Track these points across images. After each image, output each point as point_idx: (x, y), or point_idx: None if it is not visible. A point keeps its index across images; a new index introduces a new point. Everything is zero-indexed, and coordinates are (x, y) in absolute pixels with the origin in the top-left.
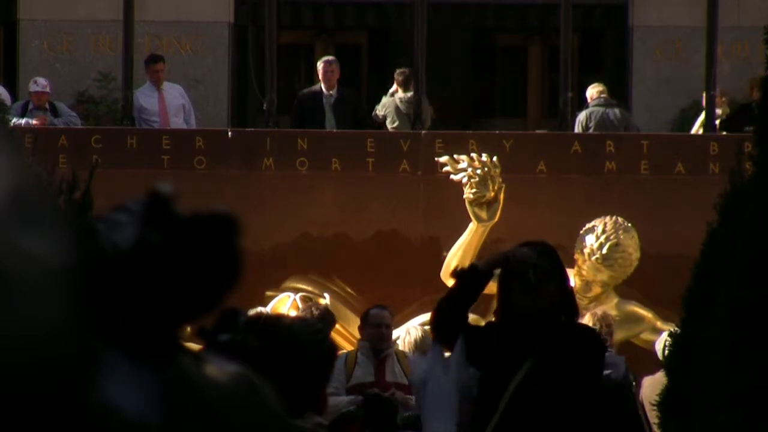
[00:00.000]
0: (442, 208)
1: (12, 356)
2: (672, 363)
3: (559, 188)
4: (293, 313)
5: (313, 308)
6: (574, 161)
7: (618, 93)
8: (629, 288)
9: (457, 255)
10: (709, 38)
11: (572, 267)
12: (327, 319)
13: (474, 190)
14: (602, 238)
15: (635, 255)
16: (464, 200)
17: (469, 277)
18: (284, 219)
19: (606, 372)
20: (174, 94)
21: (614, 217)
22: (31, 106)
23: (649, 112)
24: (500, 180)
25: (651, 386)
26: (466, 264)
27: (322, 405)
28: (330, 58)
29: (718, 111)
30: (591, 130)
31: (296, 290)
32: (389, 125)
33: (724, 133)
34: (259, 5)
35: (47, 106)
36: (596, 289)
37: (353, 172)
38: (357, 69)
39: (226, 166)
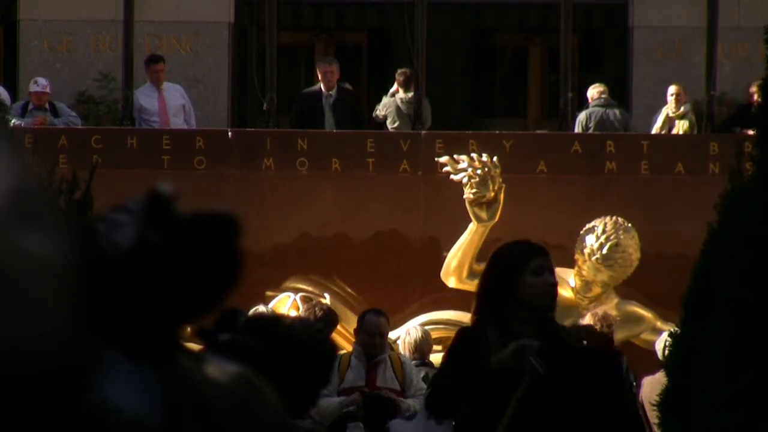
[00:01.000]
0: (442, 208)
1: (12, 356)
2: (672, 363)
3: (559, 188)
4: (293, 313)
5: (316, 308)
6: (574, 161)
7: (618, 93)
8: (629, 288)
9: (457, 255)
10: (709, 38)
11: (572, 267)
12: (330, 319)
13: (474, 190)
14: (602, 238)
15: (635, 255)
16: (464, 200)
17: (480, 375)
18: (284, 219)
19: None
20: (174, 94)
21: (614, 217)
22: (31, 106)
23: (650, 112)
24: (500, 180)
25: (651, 386)
26: (466, 264)
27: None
28: (329, 58)
29: (682, 109)
30: (591, 131)
31: (296, 290)
32: (390, 125)
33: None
34: (259, 5)
35: (47, 106)
36: (596, 289)
37: (353, 172)
38: (357, 69)
39: (226, 166)
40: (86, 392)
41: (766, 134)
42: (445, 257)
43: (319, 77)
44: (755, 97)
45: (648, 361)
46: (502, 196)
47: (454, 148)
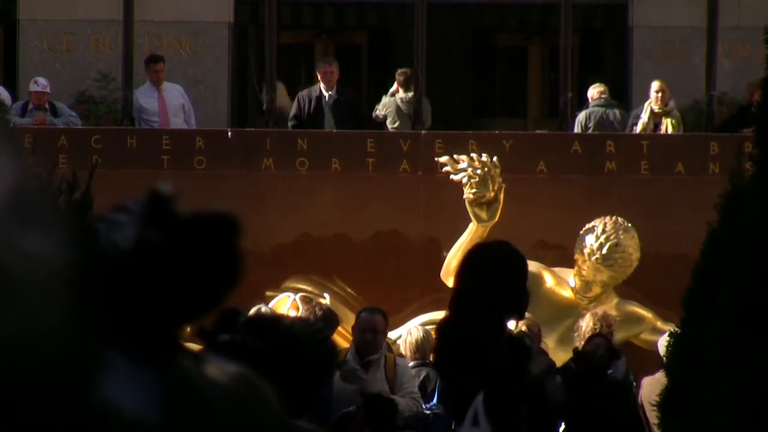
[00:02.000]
0: (442, 208)
1: (12, 356)
2: (672, 363)
3: (559, 188)
4: (293, 313)
5: (316, 308)
6: (574, 161)
7: (618, 93)
8: (629, 288)
9: (457, 255)
10: (709, 38)
11: (572, 267)
12: (330, 319)
13: (474, 190)
14: (602, 238)
15: (635, 255)
16: (464, 200)
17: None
18: (284, 219)
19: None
20: (174, 94)
21: (614, 217)
22: (31, 106)
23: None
24: (500, 180)
25: (651, 386)
26: None
27: None
28: (329, 58)
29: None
30: (590, 131)
31: (296, 290)
32: (390, 125)
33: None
34: (259, 5)
35: (47, 106)
36: (596, 289)
37: (353, 172)
38: (357, 69)
39: (226, 166)
40: (86, 392)
41: (766, 134)
42: (445, 257)
43: (319, 77)
44: (755, 96)
45: (648, 361)
46: (502, 196)
47: (454, 148)
